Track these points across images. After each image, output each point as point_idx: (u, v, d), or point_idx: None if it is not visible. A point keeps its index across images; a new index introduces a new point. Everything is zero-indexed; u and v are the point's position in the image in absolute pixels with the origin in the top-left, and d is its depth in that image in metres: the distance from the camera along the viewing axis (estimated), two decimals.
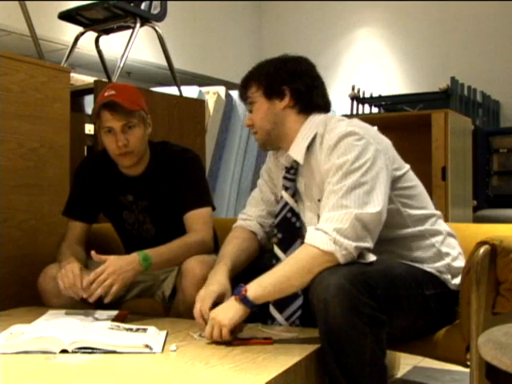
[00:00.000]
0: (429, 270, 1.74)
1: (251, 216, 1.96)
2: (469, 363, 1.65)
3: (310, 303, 1.57)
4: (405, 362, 2.62)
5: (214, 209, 2.19)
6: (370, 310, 1.50)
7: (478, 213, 5.06)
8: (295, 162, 1.83)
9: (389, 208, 1.67)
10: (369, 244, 1.60)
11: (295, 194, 1.86)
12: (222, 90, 4.58)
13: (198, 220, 2.10)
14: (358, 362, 1.51)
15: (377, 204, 1.60)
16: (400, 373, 2.56)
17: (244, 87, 1.87)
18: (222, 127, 4.57)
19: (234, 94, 4.79)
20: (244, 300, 1.60)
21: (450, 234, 1.83)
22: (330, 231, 1.57)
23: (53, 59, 3.36)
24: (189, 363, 1.42)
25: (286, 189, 1.86)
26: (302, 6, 8.34)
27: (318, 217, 1.69)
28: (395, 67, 8.04)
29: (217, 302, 1.69)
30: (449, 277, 1.75)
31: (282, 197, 1.87)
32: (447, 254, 1.77)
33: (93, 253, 1.86)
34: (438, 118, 3.76)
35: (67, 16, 3.42)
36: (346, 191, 1.61)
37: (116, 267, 1.84)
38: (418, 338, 1.73)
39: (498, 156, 5.81)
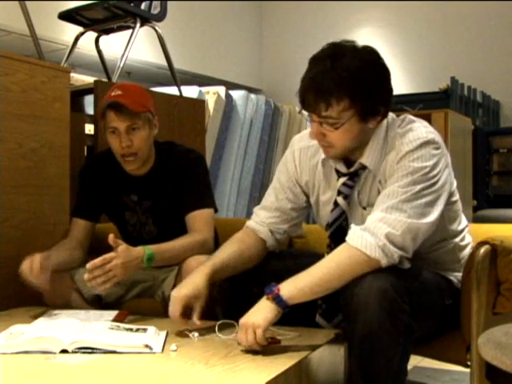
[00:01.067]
0: (450, 277, 1.75)
1: (263, 222, 1.85)
2: (469, 363, 1.65)
3: (344, 304, 1.53)
4: None
5: (216, 210, 2.19)
6: (407, 317, 1.48)
7: (478, 213, 5.07)
8: (363, 167, 1.69)
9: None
10: (409, 255, 1.58)
11: (349, 202, 1.74)
12: (222, 90, 4.57)
13: (199, 220, 2.10)
14: (386, 368, 1.50)
15: (432, 217, 1.57)
16: None
17: (325, 103, 1.56)
18: (221, 127, 4.56)
19: (234, 94, 4.78)
20: (277, 299, 1.52)
21: (472, 247, 1.80)
22: (382, 236, 1.53)
23: (53, 59, 3.37)
24: (189, 363, 1.42)
25: (345, 197, 1.72)
26: (302, 6, 8.33)
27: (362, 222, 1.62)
28: (395, 67, 8.01)
29: (188, 306, 1.65)
30: None
31: (336, 203, 1.74)
32: None
33: (111, 235, 1.85)
34: (438, 118, 3.76)
35: (67, 16, 3.42)
36: (409, 197, 1.56)
37: (124, 260, 1.84)
38: (427, 342, 1.72)
39: (498, 156, 5.82)
